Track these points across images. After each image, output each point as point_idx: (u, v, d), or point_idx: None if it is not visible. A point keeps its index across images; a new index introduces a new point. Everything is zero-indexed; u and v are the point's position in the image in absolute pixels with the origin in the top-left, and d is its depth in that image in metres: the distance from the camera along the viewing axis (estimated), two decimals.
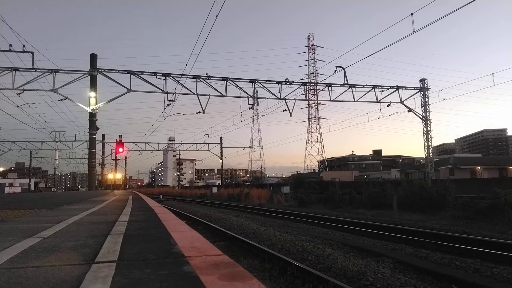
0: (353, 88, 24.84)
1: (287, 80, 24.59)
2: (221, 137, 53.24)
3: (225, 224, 12.93)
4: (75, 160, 59.20)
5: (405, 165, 75.02)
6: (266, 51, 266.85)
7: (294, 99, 25.34)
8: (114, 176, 75.11)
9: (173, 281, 1.98)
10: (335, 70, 24.22)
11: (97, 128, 23.72)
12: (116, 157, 60.13)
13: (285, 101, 24.79)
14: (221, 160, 53.89)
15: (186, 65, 25.17)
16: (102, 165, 60.97)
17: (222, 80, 23.15)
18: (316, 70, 78.07)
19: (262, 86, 24.04)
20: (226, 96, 23.27)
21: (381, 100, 25.87)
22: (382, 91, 25.81)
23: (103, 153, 55.09)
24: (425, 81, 26.98)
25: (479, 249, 7.83)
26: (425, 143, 27.21)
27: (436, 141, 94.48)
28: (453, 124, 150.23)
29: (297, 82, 25.44)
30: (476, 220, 13.21)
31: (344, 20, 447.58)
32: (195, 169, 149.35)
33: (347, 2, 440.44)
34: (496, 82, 24.57)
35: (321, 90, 30.19)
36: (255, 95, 25.54)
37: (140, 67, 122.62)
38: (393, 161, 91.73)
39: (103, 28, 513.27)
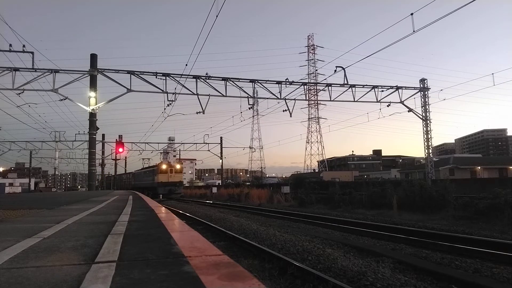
0: (353, 88, 24.84)
1: (287, 80, 24.59)
2: (221, 137, 53.23)
3: (225, 224, 12.93)
4: (75, 160, 59.19)
5: (405, 165, 74.99)
6: (266, 51, 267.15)
7: (294, 99, 25.36)
8: (176, 168, 40.70)
9: (173, 281, 1.98)
10: (335, 70, 24.24)
11: (97, 128, 23.72)
12: (116, 157, 60.09)
13: (285, 101, 24.80)
14: (221, 160, 53.90)
15: (186, 65, 25.17)
16: (102, 165, 60.98)
17: (222, 80, 23.15)
18: (316, 70, 78.11)
19: (262, 86, 24.05)
20: (226, 96, 23.28)
21: (381, 100, 25.88)
22: (382, 91, 25.83)
23: (103, 153, 55.09)
24: (425, 81, 26.98)
25: (479, 249, 7.83)
26: (425, 143, 27.21)
27: (436, 141, 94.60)
28: (453, 124, 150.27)
29: (297, 82, 25.47)
30: (476, 220, 13.21)
31: (344, 21, 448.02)
32: (195, 169, 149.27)
33: (347, 3, 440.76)
34: (496, 82, 24.61)
35: (321, 90, 30.19)
36: (255, 95, 25.55)
37: (140, 67, 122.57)
38: (393, 161, 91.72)
39: (103, 28, 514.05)
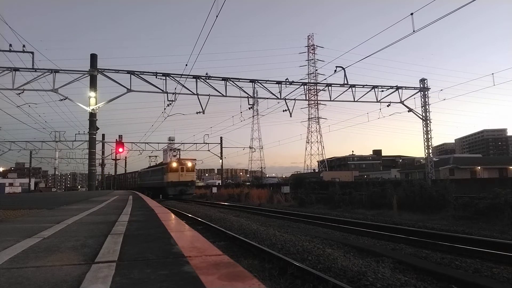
0: (353, 88, 24.85)
1: (287, 80, 24.59)
2: (221, 137, 53.21)
3: (225, 224, 12.93)
4: (75, 160, 59.22)
5: (405, 165, 74.99)
6: (266, 51, 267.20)
7: (294, 99, 25.37)
8: (188, 166, 36.93)
9: (173, 281, 1.98)
10: (335, 70, 24.24)
11: (97, 128, 23.71)
12: (116, 157, 60.05)
13: (285, 101, 24.80)
14: (221, 160, 53.89)
15: (186, 65, 25.20)
16: (102, 165, 60.93)
17: (222, 80, 23.16)
18: (316, 70, 78.14)
19: (262, 86, 24.05)
20: (226, 96, 23.29)
21: (381, 100, 25.88)
22: (382, 91, 25.83)
23: (103, 153, 55.04)
24: (425, 81, 26.98)
25: (479, 249, 7.83)
26: (425, 143, 27.20)
27: (436, 141, 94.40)
28: (453, 124, 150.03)
29: (297, 82, 25.47)
30: (476, 220, 13.21)
31: (344, 21, 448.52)
32: (195, 169, 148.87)
33: (347, 3, 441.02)
34: (496, 82, 24.57)
35: (321, 90, 30.21)
36: (255, 95, 25.55)
37: (140, 67, 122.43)
38: (393, 161, 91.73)
39: (103, 28, 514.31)
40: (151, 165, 49.99)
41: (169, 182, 36.17)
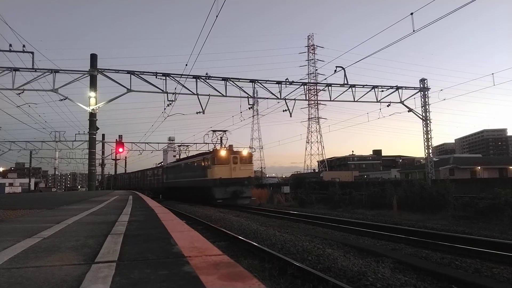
0: (353, 88, 24.83)
1: (287, 80, 24.57)
2: (221, 137, 53.06)
3: (225, 224, 12.93)
4: (75, 160, 59.12)
5: (405, 165, 75.00)
6: (266, 51, 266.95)
7: (294, 99, 25.34)
8: (243, 156, 25.82)
9: (173, 281, 1.98)
10: (335, 70, 24.21)
11: (97, 128, 23.71)
12: (116, 157, 59.99)
13: (285, 101, 24.78)
14: None
15: (186, 65, 25.28)
16: (102, 165, 60.89)
17: (222, 80, 23.15)
18: (316, 70, 77.94)
19: (262, 86, 24.04)
20: (226, 96, 23.27)
21: (381, 100, 25.86)
22: (382, 91, 25.81)
23: (103, 153, 55.00)
24: (425, 81, 26.97)
25: (479, 249, 7.83)
26: (425, 143, 27.20)
27: (436, 141, 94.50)
28: (453, 124, 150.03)
29: (297, 82, 25.45)
30: (476, 220, 13.23)
31: (344, 21, 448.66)
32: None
33: (347, 4, 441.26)
34: (496, 82, 24.60)
35: (321, 90, 30.22)
36: (255, 95, 25.53)
37: (140, 67, 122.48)
38: (393, 161, 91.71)
39: (103, 28, 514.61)
40: (180, 157, 38.46)
41: (216, 179, 24.35)
